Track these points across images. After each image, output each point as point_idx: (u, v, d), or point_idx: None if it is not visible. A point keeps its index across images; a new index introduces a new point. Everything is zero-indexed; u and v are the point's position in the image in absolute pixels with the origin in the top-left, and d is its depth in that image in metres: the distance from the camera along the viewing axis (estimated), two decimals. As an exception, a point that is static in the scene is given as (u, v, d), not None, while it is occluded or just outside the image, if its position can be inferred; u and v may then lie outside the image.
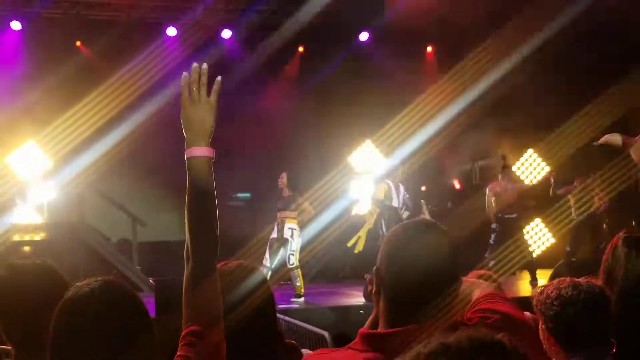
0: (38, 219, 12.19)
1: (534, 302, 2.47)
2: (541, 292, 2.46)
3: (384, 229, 9.01)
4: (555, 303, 2.37)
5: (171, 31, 13.26)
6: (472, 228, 11.25)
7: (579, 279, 2.44)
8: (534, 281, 10.21)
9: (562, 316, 2.35)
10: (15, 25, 12.62)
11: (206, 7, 13.32)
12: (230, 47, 13.65)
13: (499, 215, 10.58)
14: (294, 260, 9.23)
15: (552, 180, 11.12)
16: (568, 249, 10.83)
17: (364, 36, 14.05)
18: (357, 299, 9.42)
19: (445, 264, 1.67)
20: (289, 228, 9.27)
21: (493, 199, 10.64)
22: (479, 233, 11.26)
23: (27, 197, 12.00)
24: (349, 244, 10.37)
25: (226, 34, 13.55)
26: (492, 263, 9.91)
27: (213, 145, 2.01)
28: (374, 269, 1.72)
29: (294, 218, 9.34)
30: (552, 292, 2.40)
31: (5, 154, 12.35)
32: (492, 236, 10.58)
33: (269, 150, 13.12)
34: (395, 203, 9.28)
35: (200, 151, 1.96)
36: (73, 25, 12.87)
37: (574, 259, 10.34)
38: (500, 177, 10.86)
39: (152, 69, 13.06)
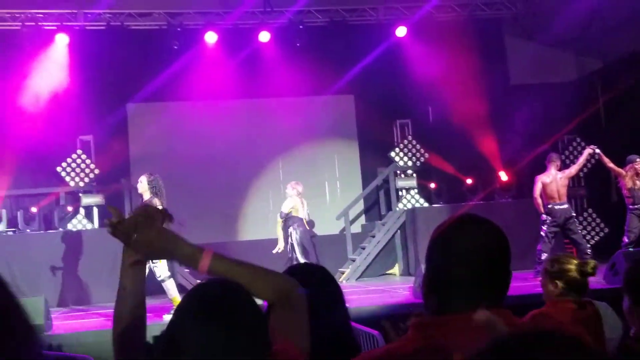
0: (88, 225, 12.48)
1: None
2: None
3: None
4: None
5: (210, 37, 13.36)
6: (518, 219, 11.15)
7: None
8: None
9: None
10: (61, 38, 12.88)
11: (245, 10, 13.42)
12: (268, 50, 13.71)
13: (549, 205, 10.35)
14: (159, 273, 8.38)
15: (596, 151, 10.66)
16: (625, 240, 10.41)
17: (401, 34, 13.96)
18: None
19: (494, 255, 1.68)
20: None
21: (541, 188, 10.40)
22: (527, 224, 11.13)
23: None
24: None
25: (264, 36, 13.57)
26: (544, 256, 9.72)
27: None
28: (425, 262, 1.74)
29: None
30: None
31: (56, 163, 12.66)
32: (543, 228, 10.36)
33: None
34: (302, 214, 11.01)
35: (203, 264, 1.77)
36: (117, 37, 13.07)
37: (631, 249, 9.97)
38: (548, 165, 10.59)
39: (193, 76, 13.27)
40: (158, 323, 8.11)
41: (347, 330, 2.35)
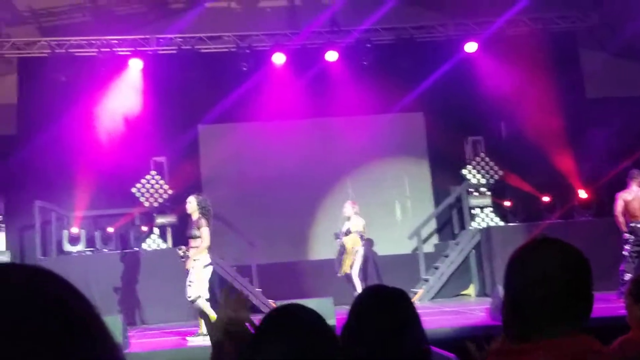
0: (162, 244, 12.70)
1: None
2: None
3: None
4: None
5: (278, 58, 13.47)
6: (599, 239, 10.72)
7: None
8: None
9: None
10: (135, 63, 13.23)
11: (312, 30, 13.50)
12: (336, 69, 13.74)
13: (631, 223, 9.92)
14: (190, 293, 8.36)
15: None
16: None
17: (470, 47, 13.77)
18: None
19: (573, 277, 1.64)
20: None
21: (623, 206, 9.98)
22: (608, 243, 10.69)
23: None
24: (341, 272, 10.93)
25: (331, 56, 13.60)
26: (628, 276, 9.30)
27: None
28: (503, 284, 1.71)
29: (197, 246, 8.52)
30: None
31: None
32: (626, 247, 9.93)
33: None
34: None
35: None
36: (188, 60, 13.33)
37: None
38: (629, 182, 10.17)
39: (262, 96, 13.43)
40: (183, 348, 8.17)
41: (426, 353, 2.30)
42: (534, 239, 1.77)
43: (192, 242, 8.55)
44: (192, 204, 8.74)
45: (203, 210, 8.62)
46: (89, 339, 0.73)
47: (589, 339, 1.58)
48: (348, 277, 10.88)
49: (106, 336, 0.77)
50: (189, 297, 8.39)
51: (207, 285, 8.51)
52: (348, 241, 10.96)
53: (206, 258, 8.49)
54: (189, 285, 8.38)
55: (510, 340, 1.65)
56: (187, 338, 8.58)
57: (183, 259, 8.61)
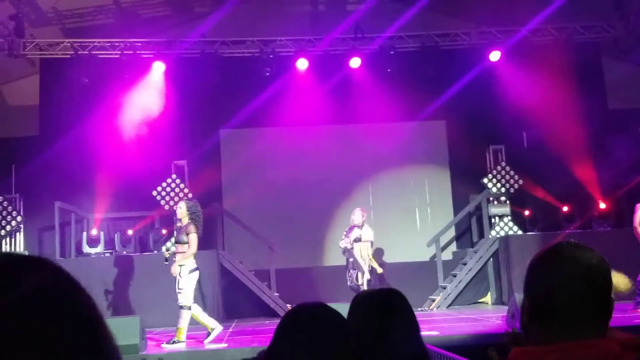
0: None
1: None
2: None
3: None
4: None
5: (302, 63, 13.51)
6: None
7: None
8: None
9: None
10: (158, 66, 13.31)
11: (335, 37, 13.52)
12: (359, 76, 13.74)
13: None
14: (182, 300, 8.42)
15: None
16: None
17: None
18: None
19: (597, 281, 1.63)
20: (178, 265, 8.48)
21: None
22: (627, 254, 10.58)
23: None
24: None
25: (355, 62, 13.61)
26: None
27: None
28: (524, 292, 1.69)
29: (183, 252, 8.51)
30: None
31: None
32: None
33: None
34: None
35: None
36: (211, 64, 13.39)
37: None
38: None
39: (284, 102, 13.47)
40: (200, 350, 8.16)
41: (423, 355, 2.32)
42: (557, 243, 1.75)
43: (180, 248, 8.56)
44: (182, 209, 8.76)
45: (193, 216, 8.63)
46: (95, 338, 0.73)
47: (611, 343, 1.57)
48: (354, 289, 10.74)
49: (109, 336, 0.76)
50: (180, 303, 8.44)
51: (193, 291, 8.53)
52: (361, 249, 10.89)
53: (192, 263, 8.50)
54: (179, 293, 8.43)
55: (532, 343, 1.65)
56: (162, 345, 8.55)
57: (167, 262, 8.64)
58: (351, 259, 10.96)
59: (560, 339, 1.59)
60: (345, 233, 11.20)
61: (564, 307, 1.60)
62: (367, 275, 10.82)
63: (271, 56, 13.48)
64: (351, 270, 10.95)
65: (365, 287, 10.64)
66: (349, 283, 10.94)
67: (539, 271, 1.68)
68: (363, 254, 10.87)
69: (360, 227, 11.01)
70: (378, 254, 13.52)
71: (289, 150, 13.97)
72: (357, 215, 11.08)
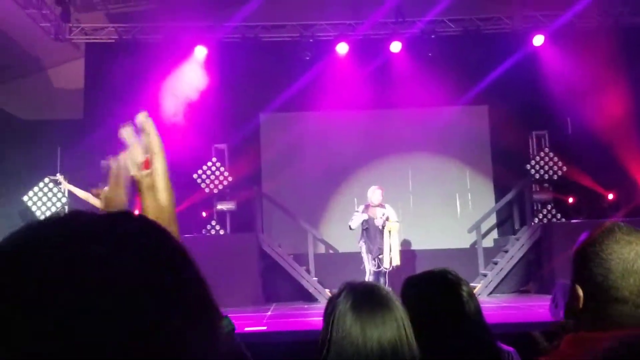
0: (221, 230, 12.86)
1: None
2: None
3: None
4: None
5: (342, 47, 13.45)
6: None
7: None
8: None
9: None
10: (200, 50, 13.39)
11: (376, 21, 13.43)
12: (399, 60, 13.63)
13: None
14: None
15: None
16: None
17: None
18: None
19: None
20: None
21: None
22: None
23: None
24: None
25: (395, 47, 13.50)
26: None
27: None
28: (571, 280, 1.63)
29: None
30: None
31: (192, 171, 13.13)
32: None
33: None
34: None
35: None
36: (251, 48, 13.41)
37: None
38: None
39: (324, 86, 13.43)
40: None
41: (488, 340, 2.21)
42: (609, 226, 1.69)
43: None
44: None
45: None
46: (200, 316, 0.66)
47: None
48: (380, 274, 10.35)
49: (216, 312, 0.69)
50: None
51: None
52: (393, 227, 10.39)
53: None
54: None
55: (584, 329, 1.61)
56: None
57: None
58: (373, 246, 10.36)
59: (616, 324, 1.55)
60: (362, 210, 10.53)
61: (621, 291, 1.56)
62: (396, 260, 10.35)
63: (311, 40, 13.46)
64: (378, 256, 10.39)
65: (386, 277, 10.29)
66: (373, 269, 10.43)
67: (593, 255, 1.62)
68: (394, 231, 10.43)
69: (384, 206, 10.53)
70: (417, 239, 13.45)
71: (329, 135, 13.95)
72: (376, 194, 10.54)
